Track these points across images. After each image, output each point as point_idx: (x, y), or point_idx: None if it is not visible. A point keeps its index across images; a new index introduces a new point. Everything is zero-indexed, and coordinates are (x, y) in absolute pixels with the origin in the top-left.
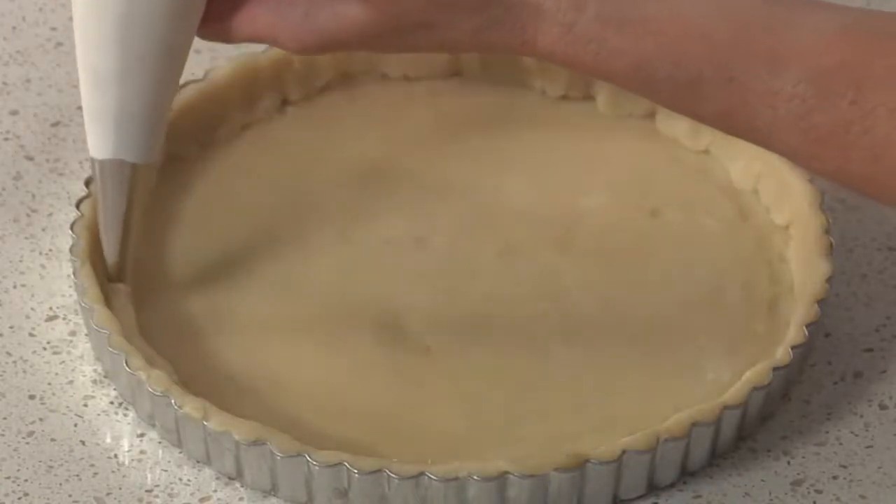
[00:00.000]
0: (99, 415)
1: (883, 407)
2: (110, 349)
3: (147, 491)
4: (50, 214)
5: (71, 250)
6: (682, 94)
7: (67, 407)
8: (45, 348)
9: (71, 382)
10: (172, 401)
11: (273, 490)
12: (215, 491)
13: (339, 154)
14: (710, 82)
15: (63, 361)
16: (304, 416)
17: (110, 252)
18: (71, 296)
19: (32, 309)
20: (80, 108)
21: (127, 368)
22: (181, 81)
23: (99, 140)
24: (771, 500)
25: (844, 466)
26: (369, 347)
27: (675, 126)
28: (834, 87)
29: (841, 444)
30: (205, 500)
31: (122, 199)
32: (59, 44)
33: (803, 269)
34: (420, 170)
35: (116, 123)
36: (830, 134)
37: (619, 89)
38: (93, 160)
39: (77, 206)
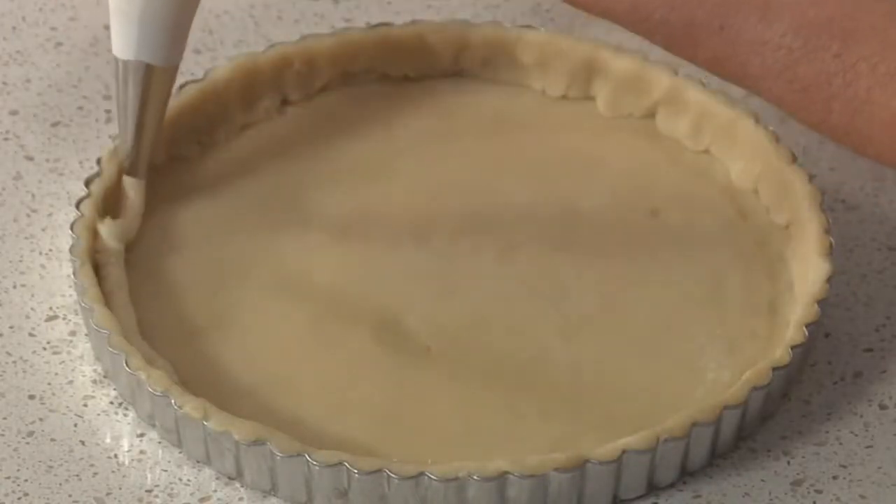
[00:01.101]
0: (99, 415)
1: (883, 407)
2: (110, 349)
3: (147, 491)
4: (50, 214)
5: (71, 250)
6: (677, 37)
7: (67, 407)
8: (44, 348)
9: (71, 382)
10: (172, 401)
11: (273, 490)
12: (215, 491)
13: (339, 154)
14: (702, 28)
15: (63, 361)
16: (304, 416)
17: (124, 148)
18: (71, 296)
19: (32, 309)
20: (80, 108)
21: (127, 368)
22: (181, 82)
23: (122, 40)
24: (771, 500)
25: (844, 466)
26: (369, 347)
27: (675, 126)
28: (819, 39)
29: (841, 444)
30: (205, 500)
31: (138, 99)
32: (59, 44)
33: (803, 269)
34: (420, 170)
35: (140, 25)
36: (814, 85)
37: (619, 89)
38: (115, 59)
39: (77, 206)
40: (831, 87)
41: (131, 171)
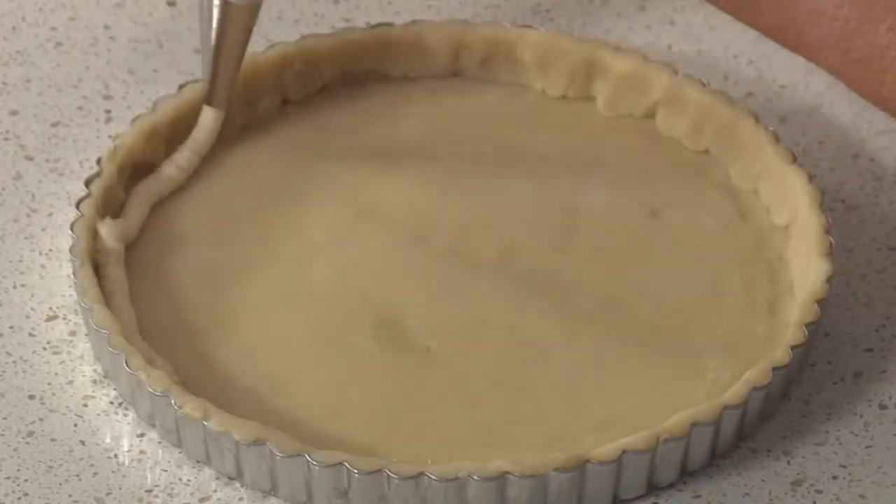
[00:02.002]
0: (99, 415)
1: (883, 407)
2: (110, 349)
3: (147, 491)
4: (50, 214)
5: (71, 250)
6: (742, 4)
7: (67, 407)
8: (44, 348)
9: (71, 382)
10: (172, 401)
11: (273, 490)
12: (215, 491)
13: (338, 154)
14: None
15: (63, 361)
16: (303, 416)
17: (204, 77)
18: (71, 296)
19: (32, 309)
20: (80, 108)
21: (127, 368)
22: (181, 82)
23: None
24: (771, 500)
25: (844, 466)
26: (369, 347)
27: (675, 126)
28: (874, 11)
29: (841, 444)
30: (204, 500)
31: (214, 32)
32: (59, 44)
33: (803, 269)
34: (420, 169)
35: None
36: (868, 56)
37: (619, 89)
38: None
39: (77, 206)
40: (884, 60)
41: (208, 100)
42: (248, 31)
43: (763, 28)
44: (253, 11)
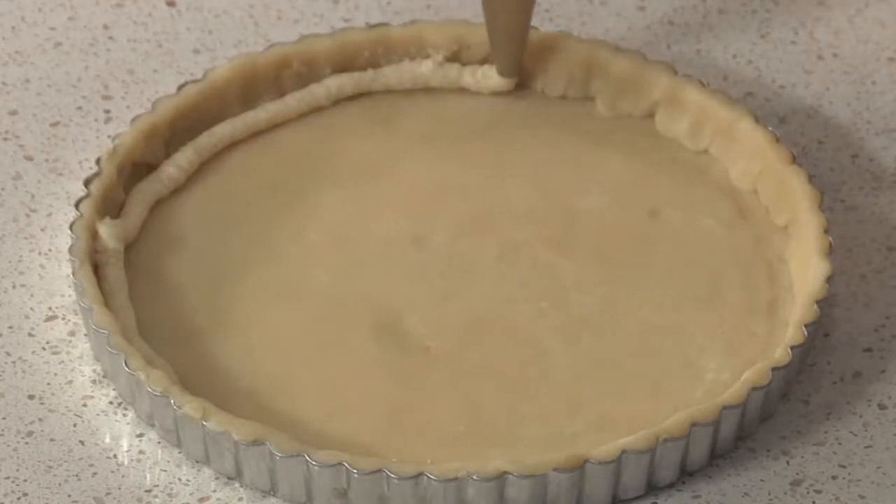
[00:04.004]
0: (98, 415)
1: (882, 407)
2: (109, 349)
3: (146, 491)
4: (49, 214)
5: (70, 250)
6: None
7: (66, 407)
8: (44, 348)
9: (70, 382)
10: (172, 401)
11: (272, 490)
12: (214, 491)
13: (338, 154)
14: None
15: (62, 361)
16: (303, 416)
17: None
18: (70, 296)
19: (31, 309)
20: (79, 108)
21: (126, 368)
22: (180, 82)
23: None
24: (770, 499)
25: (843, 466)
26: (369, 347)
27: (675, 126)
28: None
29: (840, 444)
30: (204, 500)
31: (488, 10)
32: (59, 44)
33: (802, 269)
34: (420, 170)
35: None
36: None
37: (619, 89)
38: None
39: (76, 206)
40: None
41: (501, 73)
42: (521, 8)
43: None
44: None
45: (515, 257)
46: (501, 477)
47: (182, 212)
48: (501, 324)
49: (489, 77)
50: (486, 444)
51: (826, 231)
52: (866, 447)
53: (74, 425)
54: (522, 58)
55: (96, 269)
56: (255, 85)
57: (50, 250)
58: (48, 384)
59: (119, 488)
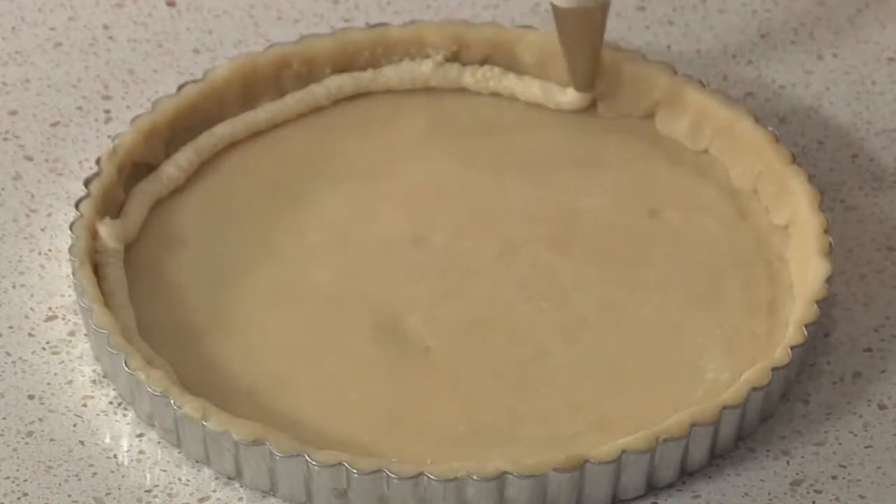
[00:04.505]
0: (98, 415)
1: (882, 407)
2: (109, 349)
3: (146, 491)
4: (49, 214)
5: (70, 250)
6: None
7: (66, 407)
8: (44, 348)
9: (70, 382)
10: (172, 401)
11: (272, 490)
12: (214, 491)
13: (338, 154)
14: None
15: (62, 361)
16: (303, 416)
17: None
18: (70, 296)
19: (31, 309)
20: (79, 108)
21: (126, 368)
22: (181, 82)
23: None
24: (770, 499)
25: (843, 466)
26: (369, 347)
27: (675, 126)
28: None
29: (840, 443)
30: (204, 500)
31: (559, 32)
32: (59, 44)
33: (802, 269)
34: (420, 170)
35: None
36: None
37: (619, 89)
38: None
39: (76, 206)
40: None
41: (578, 88)
42: (592, 29)
43: None
44: (586, 11)
45: (515, 257)
46: (501, 477)
47: (182, 212)
48: (501, 324)
49: (566, 93)
50: (486, 444)
51: (826, 231)
52: (866, 447)
53: (74, 425)
54: (597, 73)
55: (96, 269)
56: (255, 85)
57: (50, 250)
58: (48, 384)
59: (119, 488)
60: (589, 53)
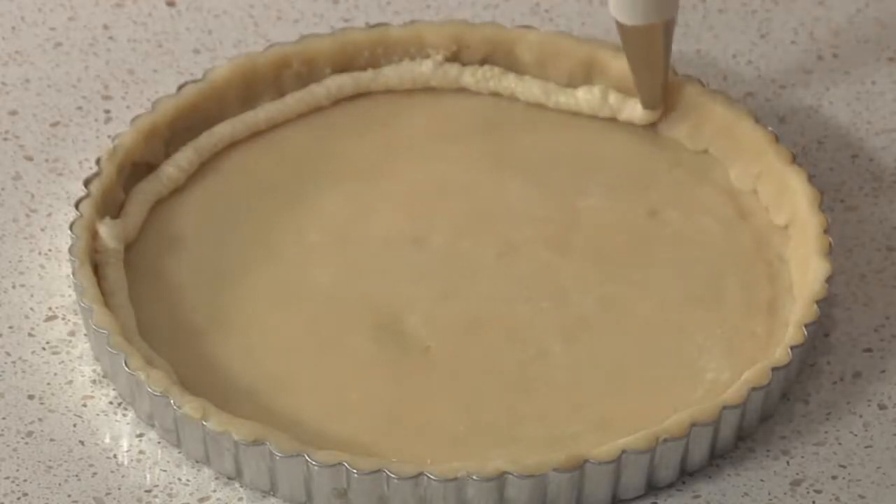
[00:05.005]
0: (98, 415)
1: (882, 407)
2: (109, 349)
3: (146, 491)
4: (49, 214)
5: (70, 250)
6: None
7: (66, 407)
8: (44, 348)
9: (70, 382)
10: (171, 401)
11: (272, 490)
12: (214, 491)
13: (338, 154)
14: None
15: (62, 361)
16: (303, 416)
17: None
18: (70, 296)
19: (31, 309)
20: (79, 108)
21: (126, 368)
22: (180, 82)
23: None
24: (770, 499)
25: (843, 466)
26: (369, 347)
27: (675, 126)
28: None
29: (840, 444)
30: (204, 500)
31: (625, 48)
32: (59, 44)
33: (802, 269)
34: (419, 170)
35: None
36: None
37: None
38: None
39: (76, 206)
40: None
41: (646, 105)
42: (650, 44)
43: None
44: (650, 29)
45: (515, 257)
46: (501, 477)
47: (182, 212)
48: (501, 324)
49: (634, 110)
50: (486, 444)
51: (826, 231)
52: (866, 447)
53: (74, 425)
54: (664, 89)
55: (96, 269)
56: (254, 85)
57: (50, 250)
58: (48, 384)
59: (119, 488)
60: (654, 70)
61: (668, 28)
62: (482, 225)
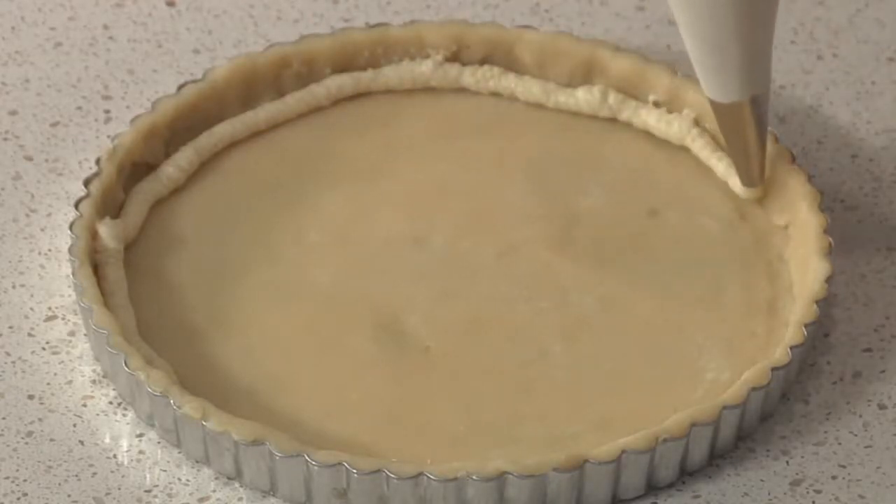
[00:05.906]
0: (98, 415)
1: (882, 407)
2: (109, 349)
3: (146, 491)
4: (49, 214)
5: (70, 250)
6: None
7: (66, 407)
8: (44, 348)
9: (70, 382)
10: (171, 401)
11: (272, 490)
12: (214, 491)
13: (338, 154)
14: None
15: (62, 361)
16: (303, 416)
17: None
18: (70, 296)
19: (31, 309)
20: (79, 108)
21: (126, 368)
22: (180, 82)
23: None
24: (770, 499)
25: (843, 466)
26: (369, 347)
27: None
28: None
29: (840, 443)
30: (204, 500)
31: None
32: (59, 44)
33: (802, 269)
34: (419, 170)
35: (699, 67)
36: None
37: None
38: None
39: (76, 206)
40: None
41: (747, 184)
42: (740, 122)
43: None
44: (739, 107)
45: (515, 257)
46: (501, 477)
47: (182, 212)
48: (501, 324)
49: (735, 185)
50: (486, 444)
51: (826, 231)
52: (866, 447)
53: (74, 425)
54: (763, 165)
55: (96, 269)
56: (254, 85)
57: (50, 250)
58: (48, 384)
59: (119, 488)
60: (748, 147)
61: (758, 103)
62: (482, 225)
